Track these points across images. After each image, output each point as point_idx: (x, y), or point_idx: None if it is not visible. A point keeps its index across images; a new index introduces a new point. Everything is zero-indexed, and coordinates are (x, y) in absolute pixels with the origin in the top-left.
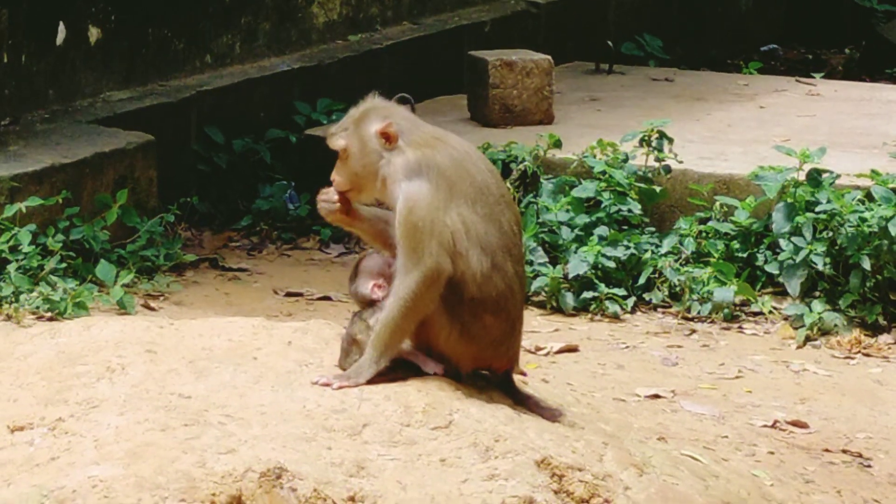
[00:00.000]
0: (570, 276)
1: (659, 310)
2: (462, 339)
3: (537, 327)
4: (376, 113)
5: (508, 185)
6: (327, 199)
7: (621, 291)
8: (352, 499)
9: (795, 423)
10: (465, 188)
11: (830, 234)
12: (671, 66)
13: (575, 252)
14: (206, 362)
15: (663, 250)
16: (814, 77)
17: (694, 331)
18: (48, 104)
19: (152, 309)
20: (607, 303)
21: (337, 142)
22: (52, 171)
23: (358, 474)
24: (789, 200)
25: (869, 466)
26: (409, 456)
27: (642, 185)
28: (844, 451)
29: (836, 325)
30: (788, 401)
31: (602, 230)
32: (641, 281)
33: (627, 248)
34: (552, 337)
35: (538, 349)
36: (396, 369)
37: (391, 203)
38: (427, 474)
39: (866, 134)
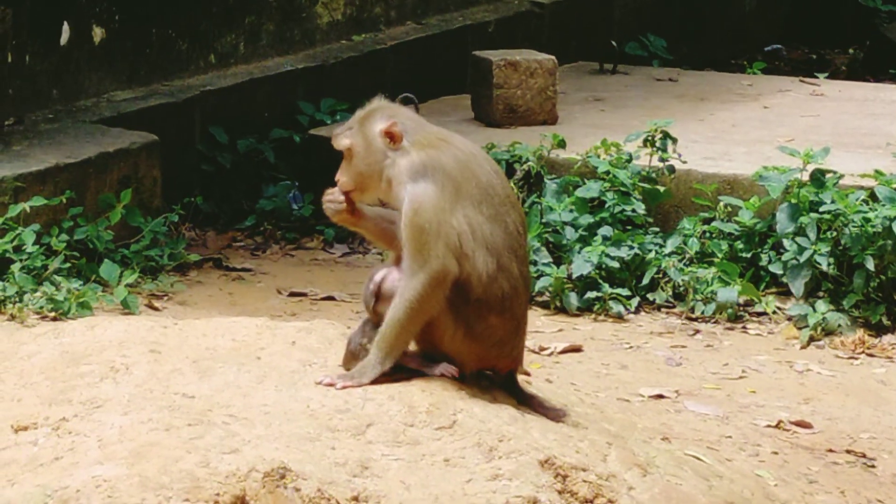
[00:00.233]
0: (574, 276)
1: (663, 310)
2: (466, 340)
3: (541, 327)
4: (381, 113)
5: (512, 185)
6: (333, 199)
7: (625, 291)
8: (355, 499)
9: (799, 424)
10: (471, 189)
11: (834, 234)
12: (675, 67)
13: (579, 252)
14: (210, 362)
15: (667, 250)
16: (818, 77)
17: (698, 331)
18: (52, 104)
19: (156, 309)
20: (611, 303)
21: (342, 141)
22: (55, 171)
23: (362, 474)
24: (793, 201)
25: (873, 466)
26: (412, 456)
27: (646, 185)
28: (848, 451)
29: (839, 326)
30: (792, 401)
31: (606, 230)
32: (645, 281)
33: (631, 248)
34: (556, 337)
35: (542, 349)
36: (400, 370)
37: (396, 204)
38: (431, 474)
39: (870, 134)
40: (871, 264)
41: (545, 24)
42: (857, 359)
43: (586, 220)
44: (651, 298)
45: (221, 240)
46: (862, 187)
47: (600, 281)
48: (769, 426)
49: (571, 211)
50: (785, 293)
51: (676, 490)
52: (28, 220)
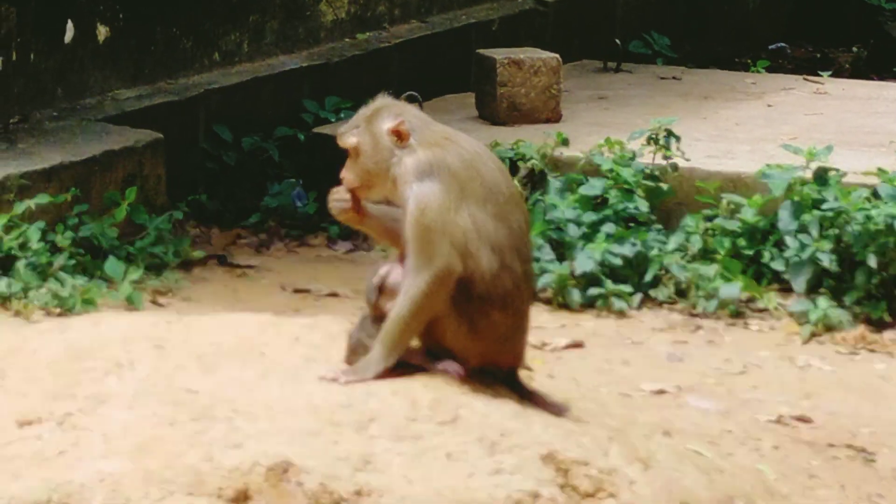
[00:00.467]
0: (577, 272)
1: (665, 306)
2: (469, 336)
3: (544, 323)
4: (388, 111)
5: (516, 182)
6: (339, 197)
7: (628, 288)
8: (358, 493)
9: (800, 419)
10: (476, 188)
11: (837, 231)
12: (679, 65)
13: (582, 249)
14: (214, 358)
15: (670, 247)
16: (821, 75)
17: (700, 327)
18: (56, 102)
19: (160, 305)
20: (614, 299)
21: (348, 140)
22: (60, 169)
23: (364, 468)
24: (796, 198)
25: (873, 461)
26: (415, 450)
27: (649, 182)
28: (849, 446)
29: (840, 321)
30: (793, 396)
31: (609, 227)
32: (648, 278)
33: (634, 245)
34: (558, 333)
35: (544, 345)
36: (403, 366)
37: (401, 202)
38: (433, 468)
39: (873, 132)
40: (873, 261)
41: (549, 23)
42: (857, 354)
43: (589, 217)
44: (653, 295)
45: (226, 237)
46: (865, 185)
47: (603, 277)
48: (770, 421)
49: (575, 208)
50: (787, 290)
51: (678, 484)
52: (33, 217)
